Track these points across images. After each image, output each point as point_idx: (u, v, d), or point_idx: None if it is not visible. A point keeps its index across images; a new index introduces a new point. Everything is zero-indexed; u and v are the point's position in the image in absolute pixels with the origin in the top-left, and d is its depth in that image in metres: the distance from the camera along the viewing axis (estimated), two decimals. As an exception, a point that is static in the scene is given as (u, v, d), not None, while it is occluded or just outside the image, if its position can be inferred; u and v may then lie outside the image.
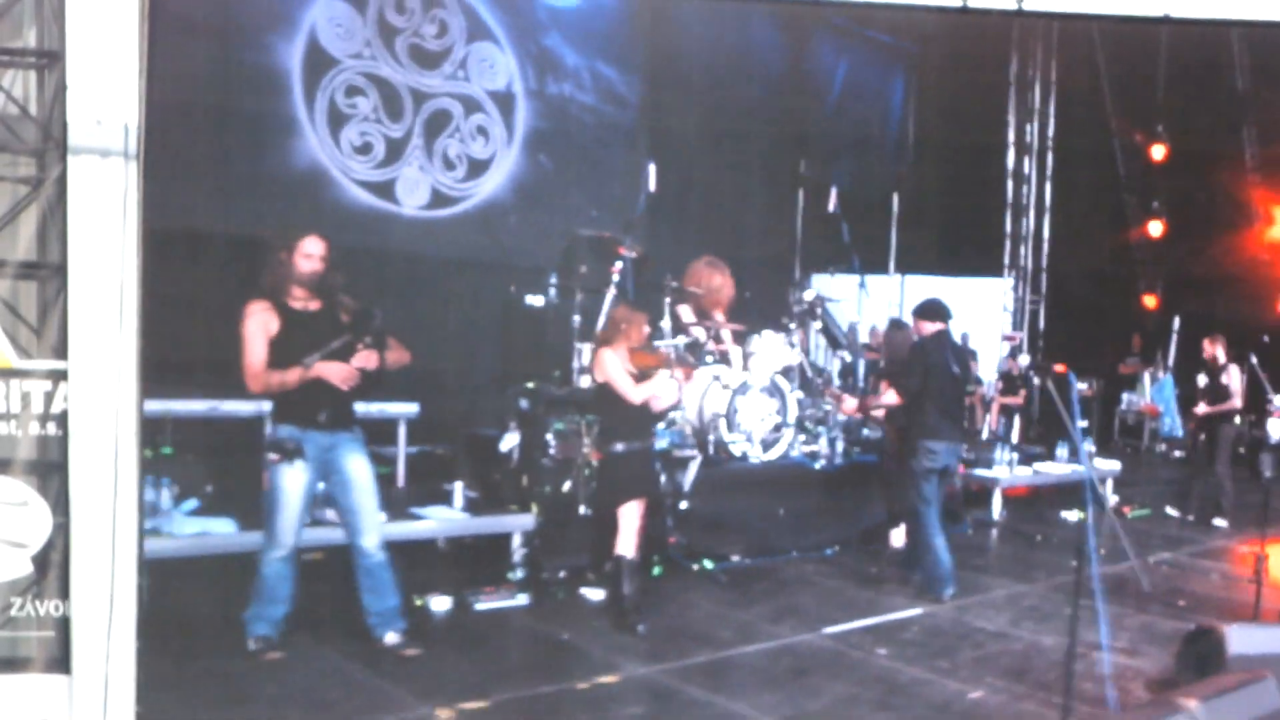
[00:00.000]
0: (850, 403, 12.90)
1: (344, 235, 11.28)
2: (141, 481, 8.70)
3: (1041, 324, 21.02)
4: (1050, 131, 20.63)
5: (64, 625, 8.45)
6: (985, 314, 19.03)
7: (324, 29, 14.56)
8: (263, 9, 14.26)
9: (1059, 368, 9.70)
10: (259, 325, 8.92)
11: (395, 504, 10.82)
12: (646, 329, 10.54)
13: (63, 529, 8.35)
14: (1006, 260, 20.82)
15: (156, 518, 10.04)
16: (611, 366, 10.28)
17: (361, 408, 9.47)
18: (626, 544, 10.22)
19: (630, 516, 10.23)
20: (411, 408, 12.72)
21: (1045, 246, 20.93)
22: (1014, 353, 18.99)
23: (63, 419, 8.41)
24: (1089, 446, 16.02)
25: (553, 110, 16.35)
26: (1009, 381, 17.97)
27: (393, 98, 15.06)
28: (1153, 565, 12.74)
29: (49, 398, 8.45)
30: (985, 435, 17.04)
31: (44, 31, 8.43)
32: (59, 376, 8.38)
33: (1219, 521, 14.84)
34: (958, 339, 13.07)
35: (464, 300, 14.92)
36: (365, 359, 8.92)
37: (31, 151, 8.39)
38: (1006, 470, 15.19)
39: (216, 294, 12.54)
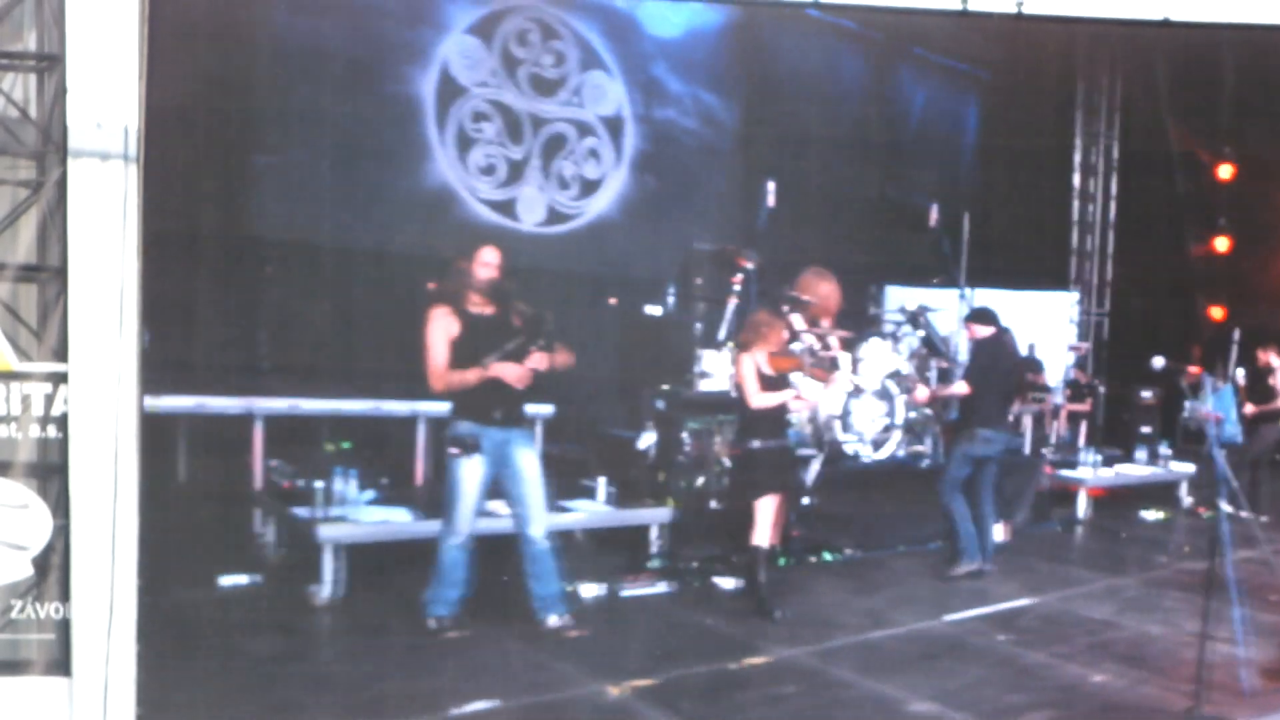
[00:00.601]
0: (923, 392, 13.65)
1: (470, 250, 12.05)
2: (144, 483, 8.93)
3: (1105, 335, 21.11)
4: (1115, 153, 20.99)
5: (64, 628, 8.68)
6: (1052, 326, 19.21)
7: (454, 61, 15.53)
8: (401, 43, 15.23)
9: (1193, 370, 10.46)
10: (441, 329, 9.58)
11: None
12: (786, 334, 11.16)
13: (63, 531, 8.59)
14: (1072, 275, 21.10)
15: (344, 506, 10.67)
16: (745, 369, 10.91)
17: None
18: (762, 535, 10.75)
19: (766, 510, 10.78)
20: (547, 409, 13.07)
21: (1110, 262, 21.21)
22: (1079, 363, 19.32)
23: (63, 421, 8.63)
24: (1166, 450, 16.84)
25: (658, 134, 17.02)
26: (1076, 389, 18.39)
27: (514, 123, 15.92)
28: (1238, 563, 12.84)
29: (49, 400, 8.65)
30: (1053, 440, 17.42)
31: (44, 35, 8.62)
32: (59, 379, 8.60)
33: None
34: (1024, 349, 13.98)
35: (581, 310, 15.59)
36: (537, 360, 9.59)
37: (31, 154, 8.61)
38: (1091, 471, 15.76)
39: (372, 306, 13.54)
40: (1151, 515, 15.75)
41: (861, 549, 12.85)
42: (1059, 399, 18.38)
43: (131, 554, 8.50)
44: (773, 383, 11.05)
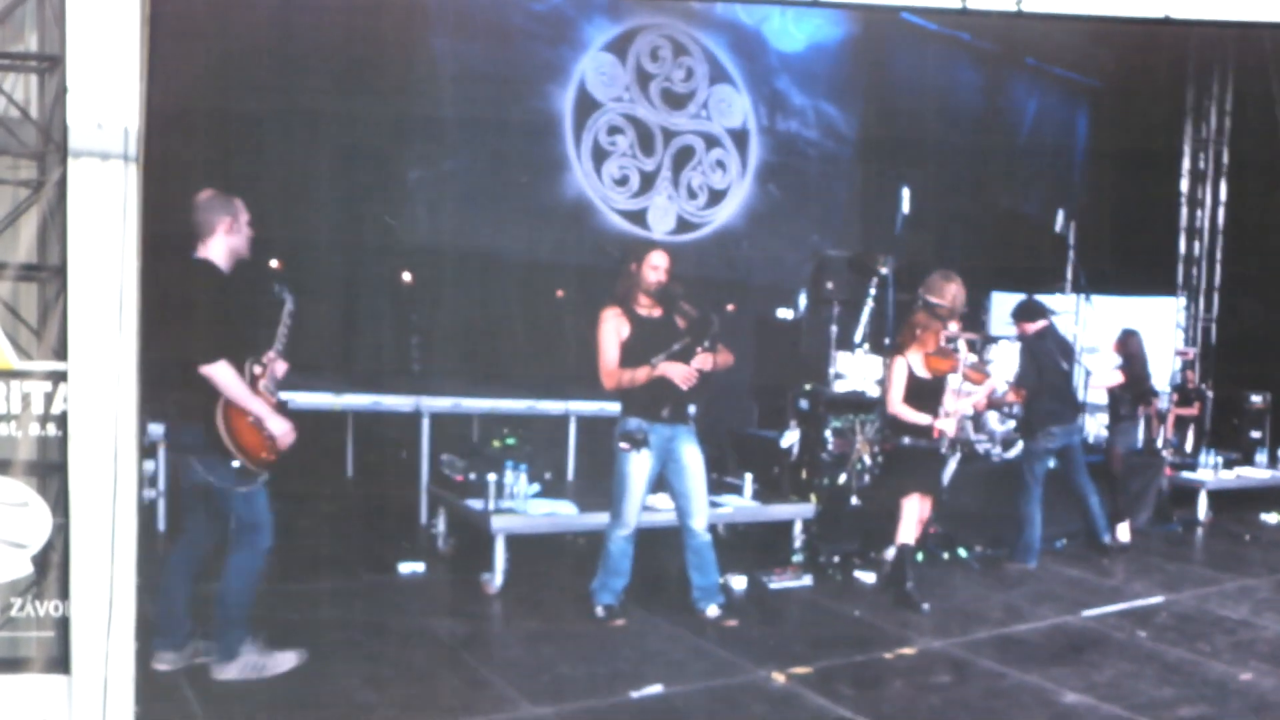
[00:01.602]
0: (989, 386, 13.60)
1: (605, 258, 12.45)
2: (141, 482, 8.75)
3: (1214, 340, 21.29)
4: (1224, 158, 21.11)
5: (63, 625, 8.43)
6: (1161, 331, 19.49)
7: (591, 77, 16.25)
8: (543, 61, 15.91)
9: None
10: (612, 330, 9.71)
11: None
12: (943, 335, 11.22)
13: (62, 529, 8.34)
14: (1180, 280, 21.26)
15: (513, 499, 11.04)
16: (894, 373, 11.01)
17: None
18: (908, 532, 10.90)
19: (912, 508, 10.93)
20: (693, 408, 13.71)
21: (1218, 267, 21.31)
22: (1186, 367, 19.24)
23: (62, 420, 8.34)
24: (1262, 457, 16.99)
25: (781, 145, 17.62)
26: (1184, 394, 18.35)
27: (646, 135, 16.62)
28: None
29: (49, 399, 8.39)
30: (1160, 444, 17.28)
31: (45, 35, 8.40)
32: (59, 378, 8.29)
33: None
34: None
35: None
36: (702, 361, 9.73)
37: (32, 154, 8.36)
38: (1211, 473, 15.79)
39: (532, 313, 14.08)
40: (1273, 519, 15.69)
41: (992, 546, 12.84)
42: (1166, 404, 18.32)
43: (131, 552, 8.14)
44: (927, 385, 11.12)
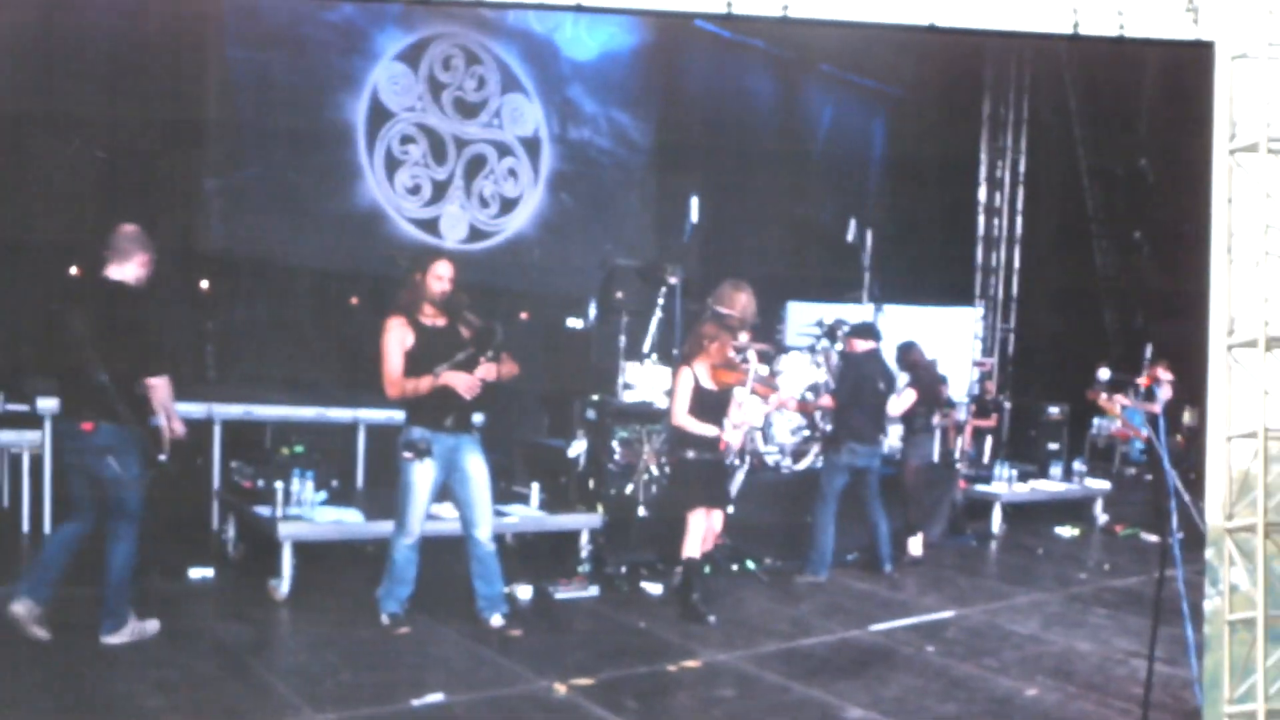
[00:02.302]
0: (777, 398, 13.58)
1: (397, 267, 12.33)
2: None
3: (1011, 350, 21.69)
4: (1021, 167, 21.46)
5: None
6: (957, 341, 19.39)
7: (384, 86, 16.15)
8: (336, 71, 15.82)
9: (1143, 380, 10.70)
10: (396, 339, 9.62)
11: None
12: (730, 347, 11.16)
13: None
14: (978, 290, 21.56)
15: (300, 506, 10.91)
16: (680, 383, 10.84)
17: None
18: (693, 546, 10.80)
19: (698, 521, 10.83)
20: (478, 417, 13.61)
21: (1015, 277, 21.61)
22: (984, 378, 19.52)
23: None
24: (1080, 466, 17.17)
25: (574, 154, 17.59)
26: (981, 405, 18.41)
27: (439, 144, 16.50)
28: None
29: None
30: (958, 456, 17.66)
31: None
32: None
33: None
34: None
35: (504, 324, 15.86)
36: (486, 370, 9.71)
37: None
38: (1006, 486, 15.94)
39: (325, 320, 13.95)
40: (1067, 532, 15.97)
41: (781, 558, 12.83)
42: (963, 415, 18.46)
43: None
44: (713, 396, 11.02)
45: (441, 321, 9.93)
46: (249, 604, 10.47)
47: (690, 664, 9.61)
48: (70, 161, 13.82)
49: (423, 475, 9.79)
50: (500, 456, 13.88)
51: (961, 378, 19.09)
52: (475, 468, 9.97)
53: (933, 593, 12.38)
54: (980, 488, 15.92)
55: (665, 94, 18.14)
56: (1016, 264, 21.70)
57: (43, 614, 8.93)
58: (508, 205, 17.06)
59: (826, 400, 13.15)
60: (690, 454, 10.97)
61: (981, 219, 21.60)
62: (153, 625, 9.23)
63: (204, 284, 15.02)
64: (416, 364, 9.75)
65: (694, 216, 14.82)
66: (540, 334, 15.60)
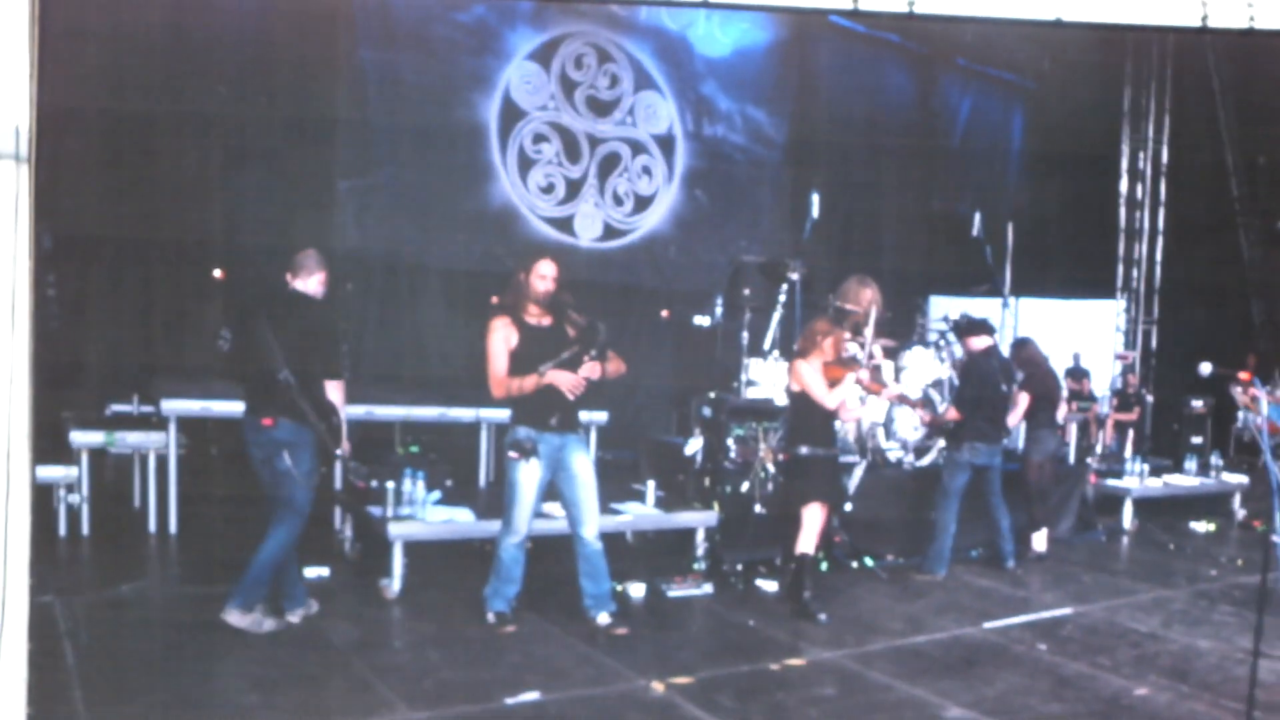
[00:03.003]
0: (888, 394, 13.47)
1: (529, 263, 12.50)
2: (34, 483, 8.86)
3: (1154, 344, 21.47)
4: (1164, 158, 21.20)
5: None
6: (1099, 335, 19.54)
7: (516, 86, 16.37)
8: (468, 71, 16.01)
9: (1243, 375, 10.65)
10: (501, 338, 9.66)
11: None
12: (844, 344, 11.23)
13: None
14: (1119, 283, 21.38)
15: (412, 506, 10.99)
16: (808, 375, 10.75)
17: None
18: (808, 542, 10.77)
19: (813, 517, 10.80)
20: (601, 416, 13.83)
21: (1158, 269, 21.40)
22: (1126, 371, 19.46)
23: None
24: (1217, 460, 16.73)
25: (708, 151, 17.72)
26: (1123, 399, 18.47)
27: (572, 143, 16.72)
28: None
29: None
30: (1100, 450, 17.48)
31: None
32: None
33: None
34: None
35: (635, 321, 16.24)
36: (590, 369, 9.73)
37: None
38: (1137, 481, 15.64)
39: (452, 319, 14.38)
40: (1203, 527, 15.68)
41: (903, 555, 12.79)
42: (1105, 408, 18.50)
43: (24, 556, 8.07)
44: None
45: (546, 321, 9.94)
46: (360, 603, 10.56)
47: (794, 662, 9.58)
48: (201, 162, 14.15)
49: (528, 475, 9.81)
50: (628, 455, 14.21)
51: (1103, 371, 19.11)
52: (581, 467, 9.99)
53: (1054, 589, 12.21)
54: (1111, 482, 15.63)
55: (800, 89, 18.17)
56: (1159, 256, 21.44)
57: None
58: (642, 203, 17.26)
59: (953, 414, 12.87)
60: (804, 450, 10.96)
61: (1123, 211, 21.38)
62: (268, 624, 9.43)
63: (349, 286, 15.20)
64: (521, 363, 9.79)
65: (815, 212, 14.84)
66: (672, 331, 15.69)
